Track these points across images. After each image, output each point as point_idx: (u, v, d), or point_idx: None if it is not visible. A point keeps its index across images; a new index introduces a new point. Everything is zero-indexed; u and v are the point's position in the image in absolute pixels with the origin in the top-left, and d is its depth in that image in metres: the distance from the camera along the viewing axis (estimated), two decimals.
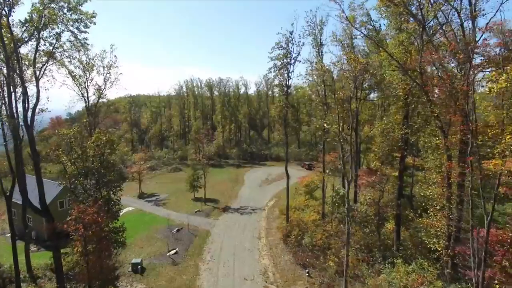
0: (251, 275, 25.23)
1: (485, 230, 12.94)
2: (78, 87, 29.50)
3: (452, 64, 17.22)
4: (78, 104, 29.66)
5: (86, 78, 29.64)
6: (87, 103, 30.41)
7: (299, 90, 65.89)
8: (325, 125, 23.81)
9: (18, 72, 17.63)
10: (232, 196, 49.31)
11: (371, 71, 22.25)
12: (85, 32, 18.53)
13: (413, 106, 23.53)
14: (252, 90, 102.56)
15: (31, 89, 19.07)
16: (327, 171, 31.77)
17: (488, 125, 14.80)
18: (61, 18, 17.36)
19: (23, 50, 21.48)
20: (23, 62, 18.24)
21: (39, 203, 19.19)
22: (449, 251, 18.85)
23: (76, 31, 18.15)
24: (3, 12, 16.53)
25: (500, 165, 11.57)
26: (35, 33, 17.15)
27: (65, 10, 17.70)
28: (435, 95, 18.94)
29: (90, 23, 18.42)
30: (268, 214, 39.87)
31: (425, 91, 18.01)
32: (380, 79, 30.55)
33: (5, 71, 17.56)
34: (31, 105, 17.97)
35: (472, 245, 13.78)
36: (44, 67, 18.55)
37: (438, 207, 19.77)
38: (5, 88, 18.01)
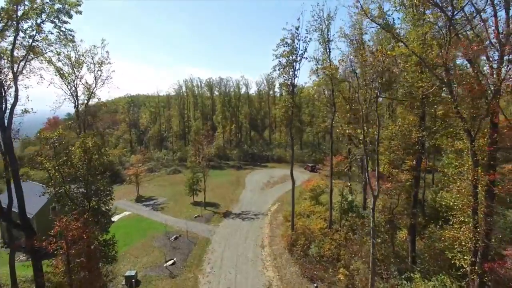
0: None
1: None
2: (67, 86, 27.35)
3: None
4: (65, 105, 27.26)
5: (75, 76, 27.46)
6: (76, 103, 28.18)
7: (303, 90, 63.96)
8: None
9: None
10: (233, 200, 47.38)
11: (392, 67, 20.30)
12: (67, 22, 16.58)
13: (435, 106, 21.59)
14: (253, 90, 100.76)
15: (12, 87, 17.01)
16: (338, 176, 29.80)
17: None
18: (41, 7, 15.41)
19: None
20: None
21: (19, 217, 17.18)
22: (476, 268, 16.91)
23: (57, 21, 16.19)
24: None
25: None
26: (13, 24, 15.20)
27: None
28: (460, 94, 17.01)
29: (76, 12, 16.49)
30: (271, 220, 37.93)
31: (451, 90, 16.09)
32: (392, 77, 28.70)
33: None
34: (8, 105, 16.07)
35: None
36: (24, 62, 16.54)
37: (462, 218, 17.84)
38: None
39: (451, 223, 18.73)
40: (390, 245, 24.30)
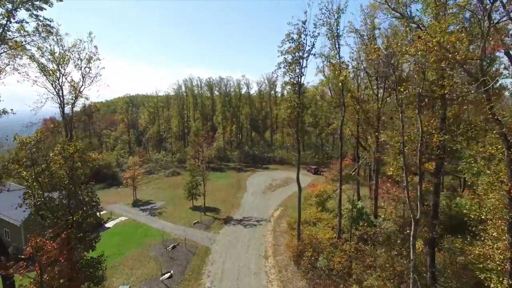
0: None
1: None
2: (51, 84, 25.10)
3: None
4: (48, 105, 24.72)
5: (60, 73, 25.26)
6: (61, 103, 25.76)
7: (307, 89, 61.94)
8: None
9: None
10: (234, 204, 45.28)
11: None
12: (43, 8, 14.47)
13: (465, 107, 19.50)
14: (253, 90, 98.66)
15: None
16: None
17: None
18: None
19: None
20: None
21: None
22: None
23: (31, 8, 14.09)
24: None
25: None
26: None
27: None
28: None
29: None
30: (274, 227, 35.83)
31: (486, 89, 13.99)
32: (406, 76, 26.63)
33: None
34: None
35: None
36: None
37: (495, 234, 15.75)
38: None
39: (481, 238, 16.65)
40: (410, 261, 22.08)
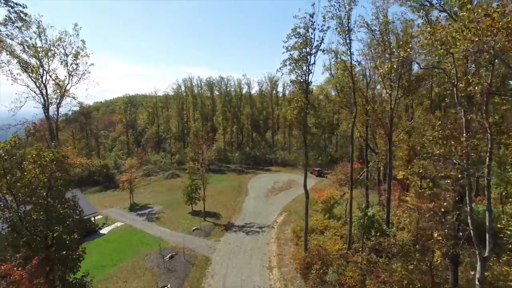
0: None
1: None
2: (35, 82, 22.78)
3: None
4: (28, 105, 22.34)
5: (44, 70, 22.93)
6: (45, 103, 23.43)
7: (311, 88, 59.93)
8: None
9: None
10: (235, 209, 43.29)
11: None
12: None
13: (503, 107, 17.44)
14: (254, 90, 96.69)
15: None
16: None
17: None
18: None
19: None
20: None
21: None
22: None
23: None
24: None
25: None
26: None
27: None
28: None
29: None
30: (278, 234, 33.84)
31: None
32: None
33: None
34: None
35: None
36: None
37: None
38: None
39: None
40: (429, 277, 20.10)
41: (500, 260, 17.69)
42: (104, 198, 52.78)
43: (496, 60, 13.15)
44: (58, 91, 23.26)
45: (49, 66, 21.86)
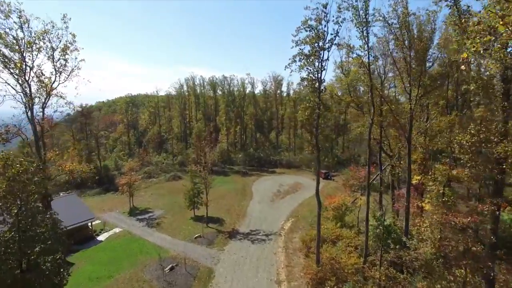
0: None
1: None
2: (18, 80, 20.49)
3: None
4: (7, 104, 20.06)
5: (27, 66, 20.50)
6: (28, 104, 21.07)
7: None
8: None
9: None
10: (240, 214, 41.20)
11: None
12: None
13: None
14: (258, 90, 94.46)
15: None
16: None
17: None
18: None
19: None
20: None
21: None
22: None
23: None
24: None
25: None
26: None
27: None
28: None
29: None
30: (286, 243, 31.70)
31: None
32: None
33: None
34: None
35: None
36: None
37: None
38: None
39: None
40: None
41: None
42: (103, 201, 51.04)
43: None
44: (43, 89, 21.10)
45: (33, 61, 19.82)
